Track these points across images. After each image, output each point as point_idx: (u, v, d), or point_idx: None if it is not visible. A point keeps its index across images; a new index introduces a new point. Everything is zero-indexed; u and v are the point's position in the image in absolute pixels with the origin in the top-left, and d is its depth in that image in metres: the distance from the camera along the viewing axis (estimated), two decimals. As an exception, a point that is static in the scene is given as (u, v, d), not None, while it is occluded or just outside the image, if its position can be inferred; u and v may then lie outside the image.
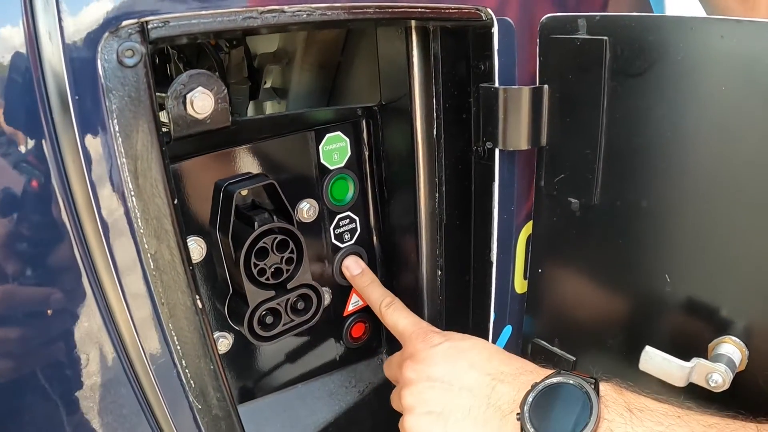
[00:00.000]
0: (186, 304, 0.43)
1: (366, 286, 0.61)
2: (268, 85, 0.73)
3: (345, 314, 0.65)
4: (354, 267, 0.61)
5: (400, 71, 0.57)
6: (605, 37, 0.52)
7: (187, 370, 0.44)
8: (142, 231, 0.40)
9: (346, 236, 0.62)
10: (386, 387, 0.68)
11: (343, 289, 0.64)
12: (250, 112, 0.78)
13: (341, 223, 0.61)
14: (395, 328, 0.57)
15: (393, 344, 0.69)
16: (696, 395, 0.55)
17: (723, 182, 0.50)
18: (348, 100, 0.70)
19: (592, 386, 0.45)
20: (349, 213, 0.62)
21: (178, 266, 0.42)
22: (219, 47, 0.70)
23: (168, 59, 0.80)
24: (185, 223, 0.54)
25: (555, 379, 0.46)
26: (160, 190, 0.41)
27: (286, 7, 0.42)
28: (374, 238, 0.64)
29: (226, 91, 0.45)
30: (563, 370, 0.48)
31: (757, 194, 0.48)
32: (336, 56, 0.68)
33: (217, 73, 0.71)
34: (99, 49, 0.37)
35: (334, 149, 0.59)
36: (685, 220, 0.52)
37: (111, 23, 0.37)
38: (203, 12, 0.40)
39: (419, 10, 0.48)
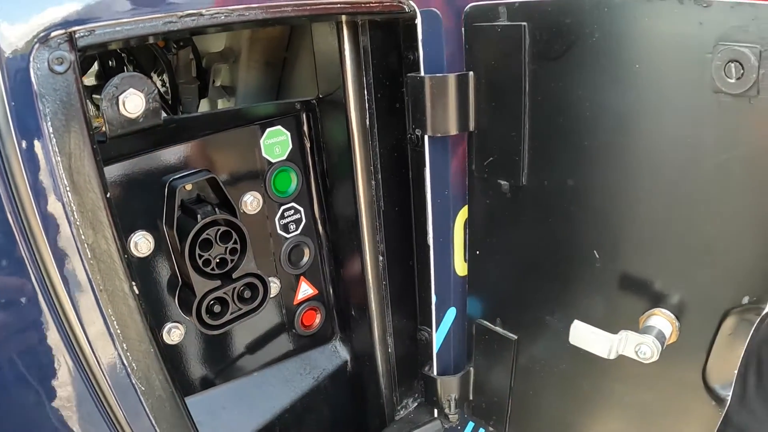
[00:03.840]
0: (124, 290, 0.50)
1: None
2: (217, 83, 0.80)
3: (295, 303, 0.72)
4: None
5: (333, 65, 0.64)
6: (524, 23, 0.58)
7: (128, 353, 0.51)
8: (78, 223, 0.47)
9: (292, 227, 0.69)
10: (341, 373, 0.75)
11: (292, 279, 0.71)
12: (204, 110, 0.86)
13: (286, 214, 0.68)
14: None
15: (345, 331, 0.76)
16: (621, 369, 0.60)
17: (643, 158, 0.56)
18: (295, 94, 0.77)
19: None
20: (293, 204, 0.68)
21: (114, 255, 0.49)
22: (168, 48, 0.77)
23: (123, 63, 0.88)
24: (133, 219, 0.61)
25: None
26: (94, 186, 0.48)
27: (204, 11, 0.49)
28: (320, 227, 0.71)
29: (156, 91, 0.52)
30: None
31: (675, 168, 0.54)
32: (281, 53, 0.75)
33: (164, 75, 0.78)
34: (31, 58, 0.44)
35: (276, 143, 0.66)
36: (610, 198, 0.58)
37: (41, 34, 0.44)
38: (126, 20, 0.47)
39: (338, 5, 0.55)
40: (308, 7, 0.53)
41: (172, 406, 0.55)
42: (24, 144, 0.45)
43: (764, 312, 1.06)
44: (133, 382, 0.53)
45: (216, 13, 0.49)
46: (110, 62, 0.88)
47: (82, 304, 0.49)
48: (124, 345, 0.51)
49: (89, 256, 0.48)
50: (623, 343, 0.56)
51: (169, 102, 0.81)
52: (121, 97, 0.51)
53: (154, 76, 0.85)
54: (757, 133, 0.51)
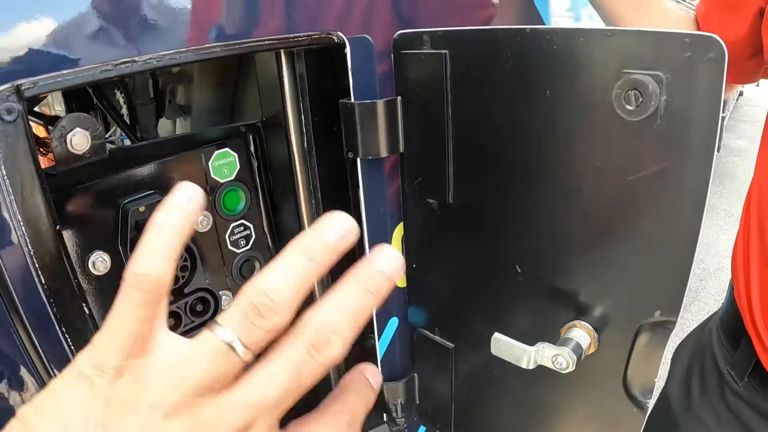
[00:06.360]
0: (76, 308, 0.60)
1: None
2: (173, 103, 0.89)
3: (248, 314, 0.81)
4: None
5: (275, 90, 0.73)
6: (445, 51, 0.66)
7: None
8: (32, 252, 0.58)
9: (242, 242, 0.79)
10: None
11: (244, 291, 0.80)
12: (163, 129, 0.96)
13: (236, 231, 0.78)
14: None
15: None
16: (548, 377, 0.69)
17: (557, 178, 0.64)
18: (247, 115, 0.86)
19: None
20: (242, 221, 0.78)
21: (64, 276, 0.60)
22: (125, 72, 0.87)
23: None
24: (92, 240, 0.71)
25: None
26: (44, 218, 0.58)
27: (137, 58, 0.58)
28: (269, 242, 0.80)
29: (101, 128, 0.62)
30: None
31: (587, 188, 0.62)
32: (233, 75, 0.84)
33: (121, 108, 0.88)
34: (-17, 109, 0.54)
35: (224, 164, 0.75)
36: (527, 217, 0.66)
37: (-8, 88, 0.54)
38: (66, 72, 0.57)
39: (266, 42, 0.64)
40: (237, 47, 0.62)
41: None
42: (-18, 185, 0.55)
43: (706, 319, 1.13)
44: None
45: (149, 59, 0.59)
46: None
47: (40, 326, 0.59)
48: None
49: (42, 280, 0.59)
50: (540, 354, 0.65)
51: (128, 123, 0.91)
52: (68, 136, 0.61)
53: (118, 94, 0.95)
54: (660, 156, 0.58)
